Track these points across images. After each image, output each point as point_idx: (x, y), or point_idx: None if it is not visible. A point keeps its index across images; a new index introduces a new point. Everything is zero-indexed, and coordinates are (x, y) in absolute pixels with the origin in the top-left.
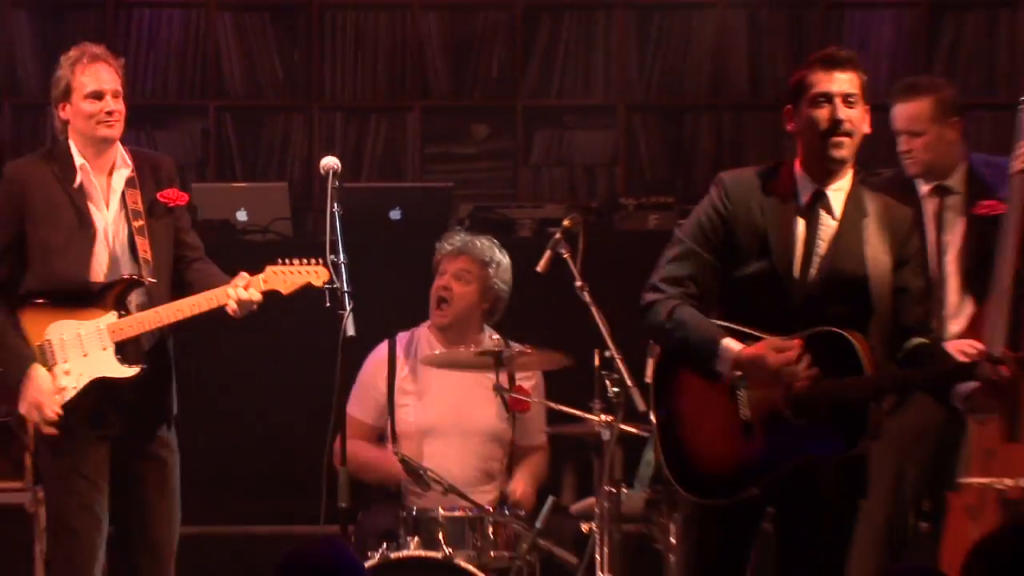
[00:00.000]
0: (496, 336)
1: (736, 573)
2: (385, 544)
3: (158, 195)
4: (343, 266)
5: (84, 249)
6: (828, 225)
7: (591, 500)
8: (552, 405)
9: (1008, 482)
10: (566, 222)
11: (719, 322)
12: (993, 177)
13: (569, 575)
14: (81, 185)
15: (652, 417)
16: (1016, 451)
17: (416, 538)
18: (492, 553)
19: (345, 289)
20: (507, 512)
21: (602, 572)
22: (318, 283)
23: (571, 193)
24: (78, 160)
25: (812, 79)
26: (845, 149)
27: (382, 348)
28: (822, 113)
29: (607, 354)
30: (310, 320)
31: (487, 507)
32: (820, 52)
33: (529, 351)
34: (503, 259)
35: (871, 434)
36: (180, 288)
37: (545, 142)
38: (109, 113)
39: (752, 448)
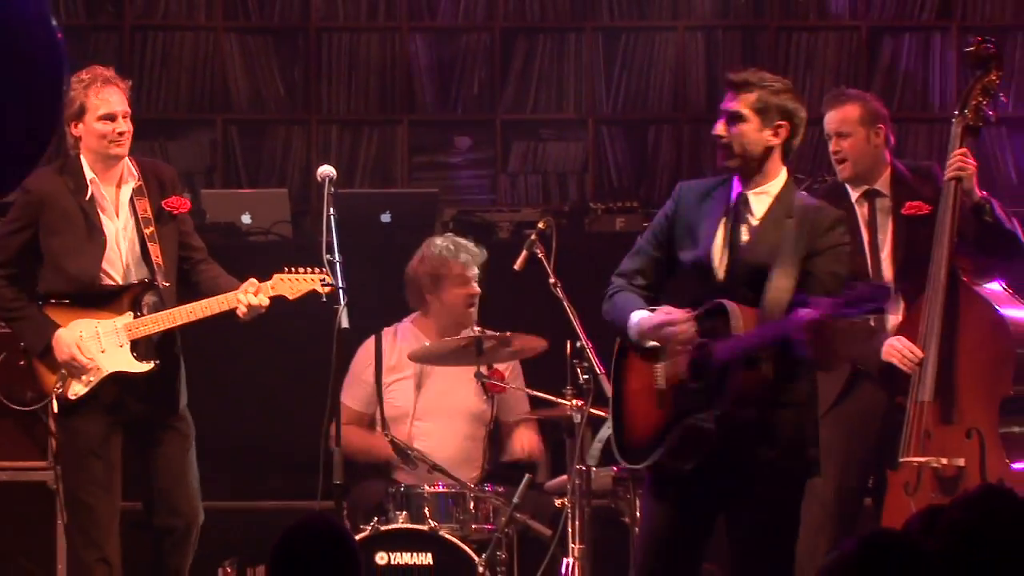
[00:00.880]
0: (477, 328)
1: (686, 550)
2: (376, 518)
3: (163, 203)
4: (338, 264)
5: (95, 255)
6: (750, 223)
7: (564, 478)
8: (528, 391)
9: (943, 461)
10: (540, 224)
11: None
12: (915, 181)
13: (544, 546)
14: (92, 197)
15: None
16: (950, 433)
17: (404, 512)
18: (474, 526)
19: (340, 285)
20: (487, 488)
21: (573, 543)
22: (322, 290)
23: (545, 198)
24: (88, 174)
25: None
26: (731, 160)
27: (370, 342)
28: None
29: (578, 344)
30: (308, 314)
31: (469, 484)
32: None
33: (509, 335)
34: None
35: (729, 396)
36: (186, 287)
37: (522, 152)
38: (120, 134)
39: (662, 415)
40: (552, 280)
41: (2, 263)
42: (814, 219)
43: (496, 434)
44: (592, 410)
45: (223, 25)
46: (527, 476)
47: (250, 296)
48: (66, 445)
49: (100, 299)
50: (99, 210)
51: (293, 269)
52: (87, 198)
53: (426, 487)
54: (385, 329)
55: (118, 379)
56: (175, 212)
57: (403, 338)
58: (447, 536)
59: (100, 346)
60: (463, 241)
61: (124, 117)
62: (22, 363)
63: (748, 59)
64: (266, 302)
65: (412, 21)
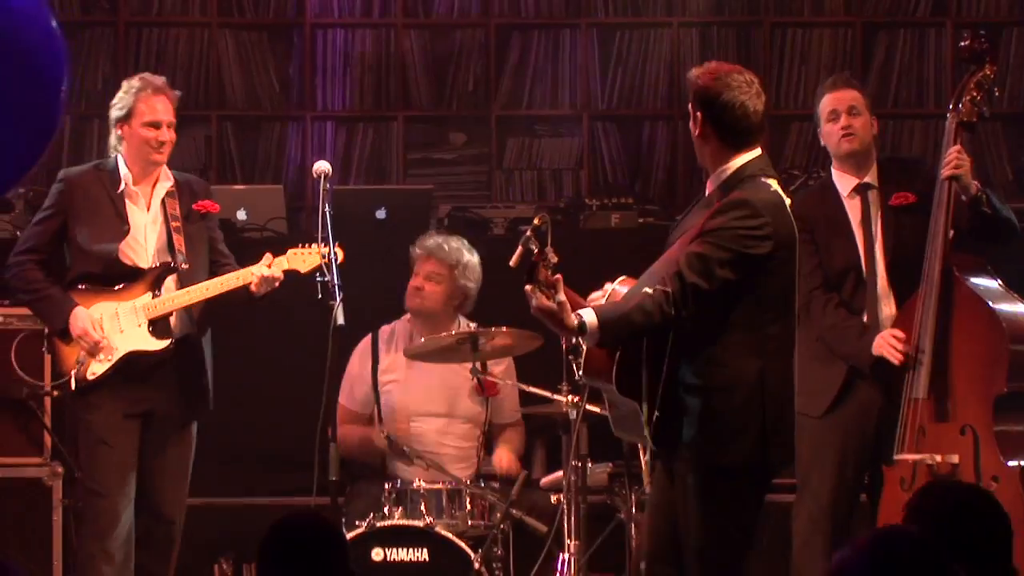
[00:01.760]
0: (473, 324)
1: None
2: (372, 514)
3: (193, 205)
4: (334, 261)
5: (117, 236)
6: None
7: (559, 474)
8: (524, 387)
9: (937, 458)
10: (536, 221)
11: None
12: (903, 172)
13: (540, 542)
14: (124, 191)
15: None
16: (944, 430)
17: (400, 508)
18: (469, 522)
19: (335, 282)
20: (482, 485)
21: (569, 539)
22: (324, 261)
23: (540, 195)
24: (124, 172)
25: None
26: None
27: (366, 341)
28: None
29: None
30: (304, 311)
31: (465, 480)
32: None
33: (504, 330)
34: (471, 259)
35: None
36: None
37: (517, 148)
38: (162, 143)
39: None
40: None
41: (34, 248)
42: (717, 205)
43: (489, 435)
44: (588, 406)
45: (217, 21)
46: (523, 472)
47: (263, 268)
48: (82, 435)
49: (123, 281)
50: (130, 202)
51: (305, 245)
52: (119, 191)
53: (422, 484)
54: (382, 328)
55: (143, 374)
56: (204, 211)
57: (399, 337)
58: (443, 532)
59: (119, 326)
60: (451, 239)
61: (168, 127)
62: (44, 349)
63: (743, 55)
64: (279, 274)
65: (407, 17)
